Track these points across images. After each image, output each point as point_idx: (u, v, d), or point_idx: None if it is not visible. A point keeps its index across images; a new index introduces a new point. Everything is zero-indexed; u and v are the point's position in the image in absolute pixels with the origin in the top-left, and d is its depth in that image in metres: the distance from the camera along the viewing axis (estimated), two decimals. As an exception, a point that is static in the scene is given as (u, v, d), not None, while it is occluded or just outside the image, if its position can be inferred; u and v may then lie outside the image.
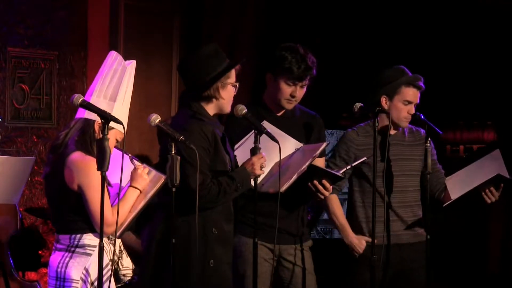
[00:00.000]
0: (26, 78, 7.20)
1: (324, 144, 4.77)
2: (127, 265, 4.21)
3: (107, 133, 3.79)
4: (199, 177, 4.19)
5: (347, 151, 5.13)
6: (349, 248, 5.12)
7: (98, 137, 3.92)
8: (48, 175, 4.04)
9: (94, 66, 7.29)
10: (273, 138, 4.39)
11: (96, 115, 3.88)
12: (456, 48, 8.68)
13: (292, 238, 4.92)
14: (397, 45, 8.38)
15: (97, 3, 7.46)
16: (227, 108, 4.47)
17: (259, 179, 4.43)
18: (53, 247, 4.07)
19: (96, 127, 3.99)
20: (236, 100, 4.53)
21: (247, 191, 4.43)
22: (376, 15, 8.50)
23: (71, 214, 3.97)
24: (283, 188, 4.53)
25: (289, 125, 4.88)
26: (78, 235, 3.98)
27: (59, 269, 3.99)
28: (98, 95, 4.01)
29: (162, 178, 4.08)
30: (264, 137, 4.40)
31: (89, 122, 4.00)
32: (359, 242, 5.07)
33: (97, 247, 3.81)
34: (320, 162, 4.94)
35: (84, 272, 3.96)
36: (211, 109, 4.43)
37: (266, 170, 4.50)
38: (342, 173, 4.91)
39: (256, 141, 4.40)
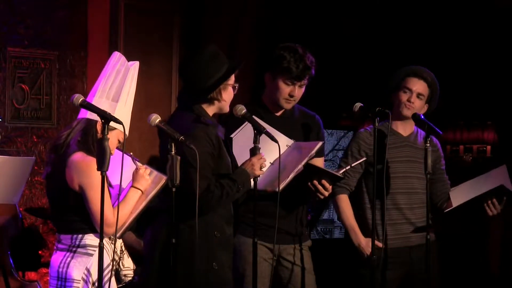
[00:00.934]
0: (26, 78, 7.20)
1: (320, 143, 4.76)
2: (128, 266, 4.20)
3: (107, 133, 3.78)
4: (203, 183, 4.20)
5: (359, 150, 5.13)
6: (358, 249, 5.11)
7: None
8: (49, 175, 4.03)
9: (94, 66, 7.30)
10: (273, 138, 4.39)
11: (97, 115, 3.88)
12: (456, 48, 8.68)
13: (291, 238, 4.92)
14: (398, 45, 8.38)
15: (97, 3, 7.46)
16: (227, 109, 4.47)
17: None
18: (55, 247, 4.07)
19: (98, 128, 3.99)
20: (236, 100, 4.53)
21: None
22: (376, 15, 8.50)
23: (72, 214, 3.97)
24: (280, 187, 4.52)
25: (288, 125, 4.87)
26: (80, 235, 3.98)
27: (60, 269, 3.98)
28: (101, 96, 4.01)
29: (163, 179, 4.08)
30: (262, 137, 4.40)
31: (91, 123, 3.99)
32: (367, 245, 5.05)
33: (98, 247, 3.81)
34: (319, 162, 4.94)
35: (86, 272, 3.96)
36: (211, 110, 4.43)
37: (264, 169, 4.50)
38: (342, 173, 4.91)
39: (255, 141, 4.40)
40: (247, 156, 4.42)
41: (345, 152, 5.23)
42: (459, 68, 8.71)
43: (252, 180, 4.39)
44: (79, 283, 3.95)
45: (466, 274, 8.97)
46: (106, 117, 3.81)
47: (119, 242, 4.10)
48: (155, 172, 4.11)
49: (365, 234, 5.10)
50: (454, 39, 8.64)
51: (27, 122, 7.22)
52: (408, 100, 5.13)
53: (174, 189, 4.08)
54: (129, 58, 4.20)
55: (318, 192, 4.78)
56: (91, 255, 3.96)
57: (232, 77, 4.44)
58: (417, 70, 5.18)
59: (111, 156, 3.80)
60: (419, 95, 5.14)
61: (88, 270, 3.96)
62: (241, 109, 4.41)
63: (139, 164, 4.09)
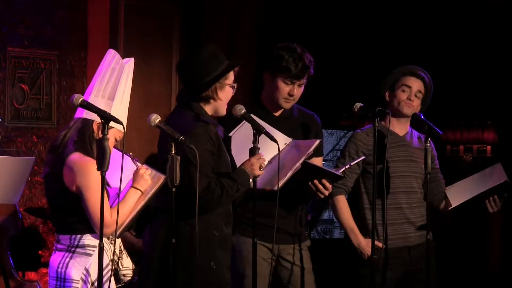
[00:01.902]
0: (26, 78, 7.20)
1: (318, 141, 4.76)
2: (127, 265, 4.20)
3: (107, 133, 3.78)
4: (204, 181, 4.20)
5: (356, 151, 5.13)
6: (357, 250, 5.11)
7: (97, 137, 3.91)
8: (48, 176, 4.03)
9: (94, 66, 7.28)
10: (272, 138, 4.39)
11: (95, 114, 3.87)
12: (456, 49, 8.68)
13: (290, 237, 4.92)
14: (397, 46, 8.38)
15: (97, 3, 7.46)
16: (223, 111, 4.46)
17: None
18: (54, 247, 4.06)
19: (95, 127, 3.98)
20: (236, 100, 4.53)
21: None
22: (376, 15, 8.50)
23: (71, 214, 3.97)
24: (278, 185, 4.52)
25: (287, 125, 4.87)
26: (79, 235, 3.98)
27: (59, 269, 3.98)
28: (97, 95, 4.01)
29: (162, 178, 4.08)
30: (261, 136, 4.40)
31: (87, 122, 3.99)
32: (367, 245, 5.05)
33: (97, 247, 3.81)
34: (318, 162, 4.94)
35: (85, 272, 3.96)
36: (209, 110, 4.43)
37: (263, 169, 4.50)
38: (342, 172, 4.91)
39: (254, 141, 4.39)
40: (244, 155, 4.42)
41: (342, 153, 5.23)
42: (459, 68, 8.71)
43: (251, 180, 4.39)
44: (78, 283, 3.94)
45: (466, 273, 8.97)
46: (106, 117, 3.80)
47: (118, 242, 4.10)
48: (153, 172, 4.11)
49: (364, 235, 5.10)
50: (454, 39, 8.64)
51: (27, 122, 7.22)
52: (408, 98, 5.14)
53: (174, 189, 4.08)
54: (129, 58, 4.19)
55: (319, 192, 4.78)
56: (90, 255, 3.96)
57: (231, 77, 4.43)
58: (414, 69, 5.20)
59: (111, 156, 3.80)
60: (417, 93, 5.16)
61: (87, 270, 3.96)
62: (241, 109, 4.41)
63: (139, 164, 4.09)
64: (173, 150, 4.08)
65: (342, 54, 8.45)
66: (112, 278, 4.06)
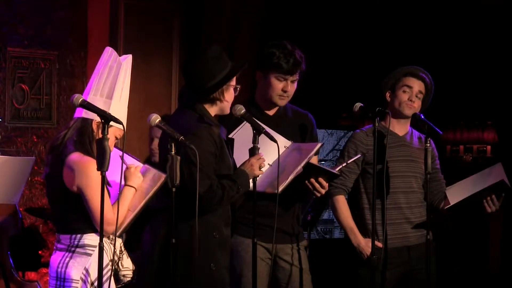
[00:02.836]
0: (26, 78, 7.21)
1: (319, 144, 4.77)
2: (127, 266, 4.20)
3: (107, 133, 3.79)
4: (206, 182, 4.20)
5: (356, 151, 5.13)
6: (357, 250, 5.11)
7: (97, 137, 3.92)
8: (48, 176, 4.04)
9: (94, 66, 7.24)
10: (272, 138, 4.39)
11: (94, 114, 3.88)
12: (456, 49, 8.69)
13: (288, 237, 4.91)
14: (397, 46, 8.38)
15: (97, 3, 7.46)
16: (228, 110, 4.47)
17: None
18: (54, 247, 4.06)
19: (94, 126, 3.99)
20: (236, 100, 4.53)
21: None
22: (376, 15, 8.50)
23: (72, 214, 3.97)
24: (280, 189, 4.52)
25: (282, 124, 4.87)
26: (79, 235, 3.98)
27: (59, 269, 3.98)
28: (95, 93, 4.01)
29: (162, 177, 4.08)
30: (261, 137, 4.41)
31: (87, 122, 3.99)
32: (367, 245, 5.05)
33: (97, 247, 3.81)
34: (313, 161, 4.94)
35: (84, 272, 3.96)
36: (213, 111, 4.43)
37: (263, 169, 4.50)
38: (338, 170, 4.91)
39: (254, 141, 4.39)
40: (245, 156, 4.43)
41: (341, 153, 5.23)
42: (459, 68, 8.72)
43: (251, 180, 4.39)
44: (77, 283, 3.94)
45: (466, 273, 8.98)
46: (106, 117, 3.81)
47: (119, 243, 4.10)
48: (154, 171, 4.11)
49: (364, 235, 5.10)
50: (454, 39, 8.64)
51: (27, 122, 7.22)
52: (409, 99, 5.14)
53: (174, 189, 4.08)
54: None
55: (315, 190, 4.78)
56: (90, 255, 3.96)
57: (234, 79, 4.44)
58: (415, 70, 5.20)
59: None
60: (418, 94, 5.16)
61: (87, 270, 3.96)
62: (240, 109, 4.41)
63: (129, 162, 4.10)
64: (173, 150, 4.08)
65: (342, 54, 8.45)
66: (112, 278, 4.06)
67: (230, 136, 4.64)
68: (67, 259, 3.97)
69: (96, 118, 3.93)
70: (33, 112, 7.24)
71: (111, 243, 4.02)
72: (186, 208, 4.17)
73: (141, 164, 4.14)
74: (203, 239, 4.23)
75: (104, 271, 3.92)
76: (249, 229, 4.51)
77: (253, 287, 4.44)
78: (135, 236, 5.43)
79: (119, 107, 4.01)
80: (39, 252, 6.84)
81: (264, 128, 4.40)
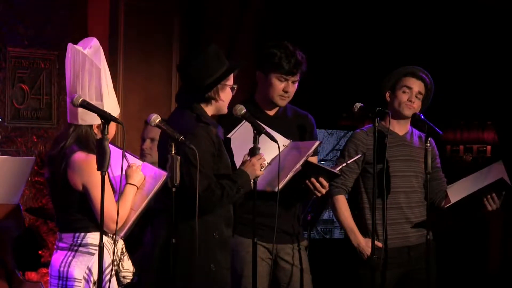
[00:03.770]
0: (26, 78, 7.21)
1: (317, 142, 4.77)
2: (127, 268, 4.19)
3: (107, 133, 3.79)
4: (205, 182, 4.20)
5: (356, 151, 5.13)
6: (357, 250, 5.11)
7: (97, 137, 3.93)
8: (50, 177, 4.04)
9: (94, 66, 7.29)
10: (272, 138, 4.39)
11: (92, 119, 3.90)
12: (456, 48, 8.69)
13: (289, 237, 4.91)
14: (397, 46, 8.39)
15: (97, 3, 7.46)
16: (225, 110, 4.46)
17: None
18: (55, 246, 4.06)
19: (95, 130, 4.00)
20: (237, 100, 4.53)
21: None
22: (376, 15, 8.50)
23: (75, 213, 3.96)
24: (279, 187, 4.52)
25: (282, 124, 4.87)
26: (82, 234, 3.97)
27: (61, 268, 3.98)
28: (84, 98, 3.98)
29: (163, 175, 4.08)
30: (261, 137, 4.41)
31: (86, 129, 3.99)
32: (367, 245, 5.05)
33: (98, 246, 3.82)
34: (313, 160, 4.94)
35: (87, 271, 3.96)
36: (209, 110, 4.43)
37: (263, 169, 4.50)
38: (339, 170, 4.91)
39: (255, 141, 4.40)
40: (243, 156, 4.43)
41: (342, 152, 5.23)
42: (459, 68, 8.72)
43: (252, 180, 4.39)
44: (80, 282, 3.94)
45: (466, 273, 8.98)
46: (106, 117, 3.81)
47: (121, 243, 4.10)
48: (155, 169, 4.12)
49: (364, 235, 5.10)
50: (454, 39, 8.64)
51: (27, 122, 7.22)
52: (409, 100, 5.14)
53: (174, 189, 4.08)
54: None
55: (316, 190, 4.78)
56: (93, 254, 3.96)
57: (231, 78, 4.43)
58: (415, 70, 5.20)
59: (111, 154, 3.80)
60: (417, 94, 5.16)
61: (90, 269, 3.95)
62: (241, 109, 4.41)
63: (130, 161, 4.10)
64: (173, 150, 4.08)
65: (342, 54, 8.45)
66: (114, 278, 4.06)
67: (229, 136, 4.64)
68: (70, 258, 3.97)
69: (95, 121, 3.93)
70: (33, 112, 7.24)
71: (113, 243, 4.01)
72: (186, 208, 4.17)
73: (141, 163, 4.15)
74: (203, 239, 4.23)
75: (106, 271, 3.92)
76: (249, 229, 4.51)
77: (254, 287, 4.44)
78: (134, 238, 5.43)
79: (110, 103, 4.01)
80: (39, 252, 6.84)
81: (265, 128, 4.41)
